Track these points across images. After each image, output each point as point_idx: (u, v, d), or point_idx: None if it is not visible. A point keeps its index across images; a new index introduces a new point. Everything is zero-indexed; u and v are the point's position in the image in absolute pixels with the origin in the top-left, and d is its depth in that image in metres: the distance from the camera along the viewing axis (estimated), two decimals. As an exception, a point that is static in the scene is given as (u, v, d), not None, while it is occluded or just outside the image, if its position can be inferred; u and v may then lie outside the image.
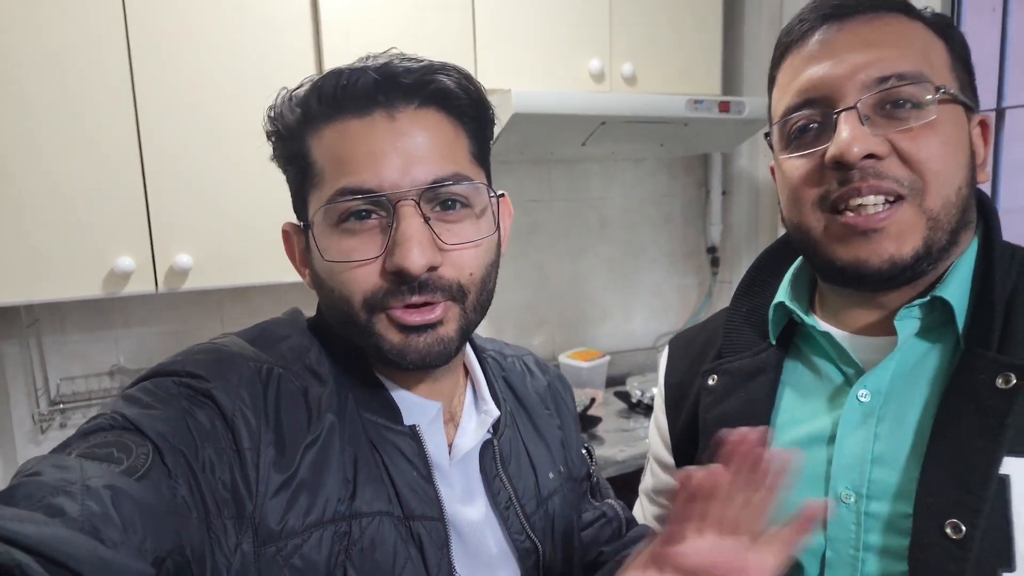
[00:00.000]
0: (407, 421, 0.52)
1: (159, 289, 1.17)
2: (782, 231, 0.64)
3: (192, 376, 0.45)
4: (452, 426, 0.56)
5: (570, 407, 0.70)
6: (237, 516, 0.43)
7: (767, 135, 0.60)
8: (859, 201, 0.51)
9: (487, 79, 1.35)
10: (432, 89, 0.48)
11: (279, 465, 0.45)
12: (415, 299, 0.47)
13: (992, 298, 0.51)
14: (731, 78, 1.76)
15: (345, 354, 0.52)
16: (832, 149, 0.51)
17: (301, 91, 0.50)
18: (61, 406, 1.34)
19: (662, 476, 0.73)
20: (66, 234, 1.10)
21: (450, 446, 0.55)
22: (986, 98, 1.41)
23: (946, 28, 0.53)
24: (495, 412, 0.57)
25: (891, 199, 0.50)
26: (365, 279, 0.48)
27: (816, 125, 0.53)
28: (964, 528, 0.46)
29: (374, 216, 0.48)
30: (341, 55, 0.51)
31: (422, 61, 0.49)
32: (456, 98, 0.50)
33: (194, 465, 0.42)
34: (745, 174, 1.89)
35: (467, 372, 0.60)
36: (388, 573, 0.47)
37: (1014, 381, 0.47)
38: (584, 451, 0.69)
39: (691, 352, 0.71)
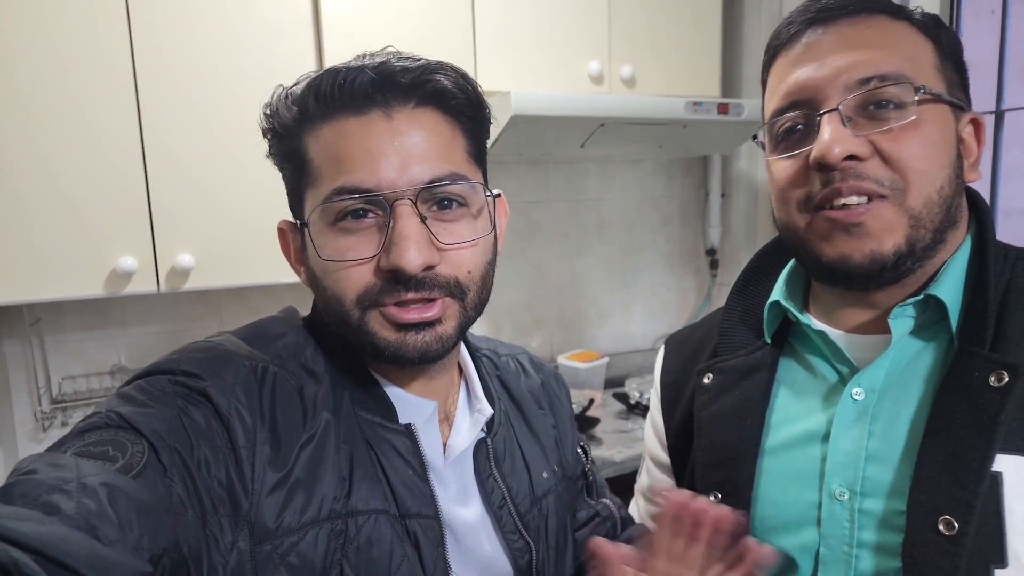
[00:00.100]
0: (402, 420, 0.52)
1: (161, 289, 1.17)
2: (778, 232, 0.64)
3: (187, 374, 0.45)
4: (446, 425, 0.56)
5: (565, 406, 0.70)
6: (233, 514, 0.43)
7: (754, 137, 0.61)
8: (842, 201, 0.51)
9: (487, 81, 1.36)
10: (429, 88, 0.48)
11: (275, 463, 0.45)
12: (410, 295, 0.47)
13: (985, 297, 0.51)
14: (730, 80, 1.77)
15: (340, 352, 0.52)
16: (814, 151, 0.52)
17: (297, 89, 0.50)
18: (63, 405, 1.34)
19: (658, 475, 0.73)
20: (69, 234, 1.11)
21: (444, 445, 0.55)
22: (985, 100, 1.41)
23: (934, 28, 0.54)
24: (489, 411, 0.57)
25: (871, 199, 0.51)
26: (360, 277, 0.48)
27: (801, 127, 0.54)
28: (957, 525, 0.46)
29: (371, 215, 0.48)
30: (342, 57, 0.51)
31: (419, 60, 0.49)
32: (453, 97, 0.50)
33: (189, 463, 0.42)
34: (744, 176, 1.89)
35: (461, 371, 0.60)
36: (384, 571, 0.47)
37: (1006, 379, 0.48)
38: (580, 450, 0.69)
39: (686, 351, 0.72)
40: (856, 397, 0.55)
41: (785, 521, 0.56)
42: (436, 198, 0.49)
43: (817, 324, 0.58)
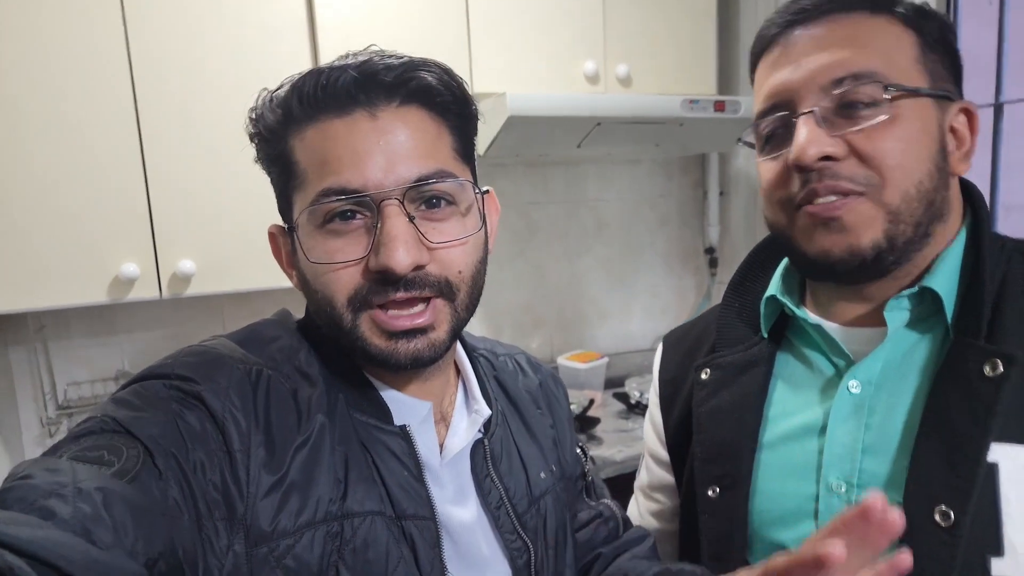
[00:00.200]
0: (397, 421, 0.51)
1: (163, 295, 1.18)
2: (777, 229, 0.65)
3: (181, 378, 0.45)
4: (443, 426, 0.56)
5: (563, 406, 0.69)
6: (228, 517, 0.43)
7: (739, 140, 0.62)
8: (821, 200, 0.52)
9: (482, 82, 1.36)
10: (413, 86, 0.48)
11: (270, 466, 0.45)
12: (399, 295, 0.47)
13: (980, 288, 0.51)
14: (726, 77, 1.77)
15: (334, 355, 0.52)
16: (791, 153, 0.52)
17: (281, 92, 0.49)
18: (69, 410, 1.35)
19: (657, 471, 0.73)
20: (71, 242, 1.11)
21: (441, 446, 0.55)
22: (984, 93, 1.41)
23: (917, 18, 0.53)
24: (486, 411, 0.57)
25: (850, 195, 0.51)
26: (349, 279, 0.47)
27: (782, 129, 0.55)
28: (953, 515, 0.47)
29: (358, 216, 0.47)
30: (337, 60, 0.51)
31: (402, 58, 0.48)
32: (438, 95, 0.49)
33: (185, 467, 0.41)
34: (742, 174, 1.89)
35: (458, 371, 0.60)
36: (380, 572, 0.47)
37: (1001, 369, 0.48)
38: (579, 450, 0.69)
39: (684, 347, 0.72)
40: (852, 390, 0.55)
41: (783, 514, 0.57)
42: (424, 197, 0.48)
43: (813, 318, 0.59)
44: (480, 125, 0.56)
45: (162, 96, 1.15)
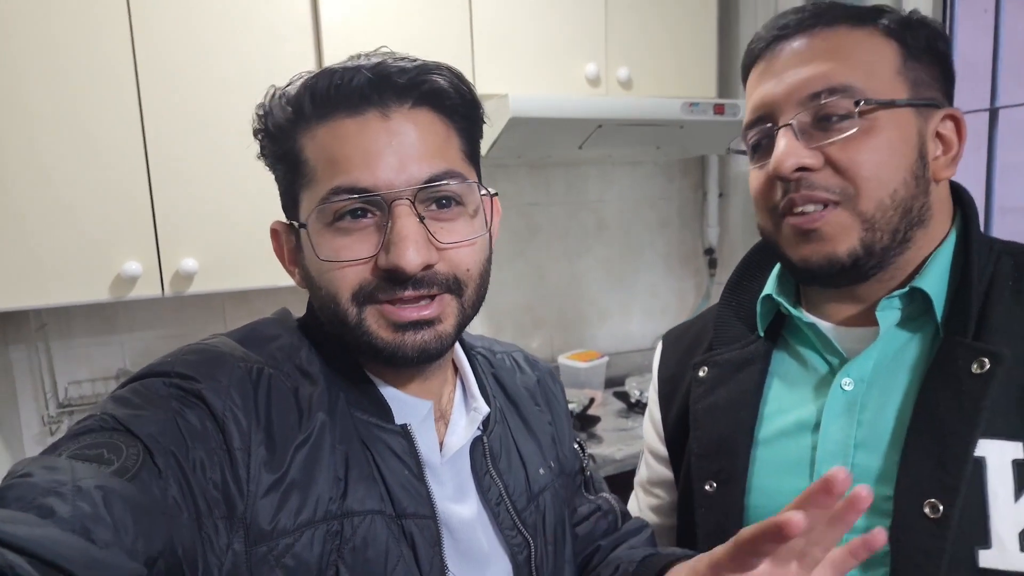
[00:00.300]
0: (398, 420, 0.52)
1: (165, 293, 1.19)
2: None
3: (182, 377, 0.45)
4: (442, 424, 0.56)
5: (561, 402, 0.70)
6: (228, 516, 0.43)
7: (728, 149, 0.64)
8: (799, 209, 0.54)
9: (485, 84, 1.38)
10: (426, 89, 0.49)
11: (270, 465, 0.45)
12: (408, 293, 0.47)
13: (969, 287, 0.53)
14: (726, 81, 1.78)
15: (335, 353, 0.52)
16: (770, 164, 0.55)
17: (292, 89, 0.49)
18: (70, 409, 1.36)
19: (656, 467, 0.74)
20: (73, 240, 1.12)
21: (440, 444, 0.55)
22: (979, 98, 1.42)
23: (901, 28, 0.54)
24: (485, 409, 0.57)
25: (827, 206, 0.53)
26: (356, 276, 0.48)
27: (766, 140, 0.57)
28: (942, 508, 0.48)
29: (369, 215, 0.48)
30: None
31: (415, 60, 0.49)
32: (448, 98, 0.50)
33: (184, 465, 0.41)
34: (742, 176, 1.91)
35: (456, 369, 0.60)
36: (380, 572, 0.47)
37: (988, 366, 0.49)
38: (576, 446, 0.70)
39: (683, 345, 0.73)
40: (845, 387, 0.56)
41: (777, 509, 0.56)
42: (434, 197, 0.49)
43: (808, 317, 0.60)
44: (481, 127, 0.56)
45: (166, 96, 1.16)
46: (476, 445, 0.56)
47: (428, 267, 0.48)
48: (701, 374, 0.66)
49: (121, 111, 1.13)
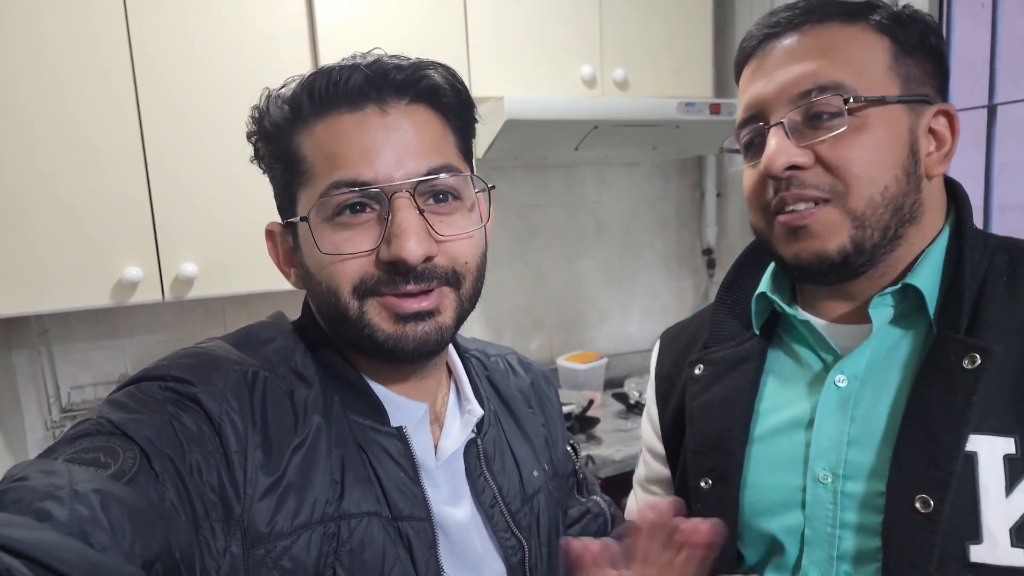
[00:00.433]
0: (393, 423, 0.52)
1: (165, 298, 1.19)
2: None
3: (178, 380, 0.45)
4: (437, 427, 0.57)
5: (555, 405, 0.70)
6: (225, 519, 0.43)
7: (721, 148, 0.64)
8: (790, 207, 0.54)
9: (481, 87, 1.38)
10: (423, 86, 0.49)
11: (266, 468, 0.45)
12: (410, 287, 0.48)
13: (961, 283, 0.53)
14: (722, 81, 1.78)
15: (331, 356, 0.52)
16: (761, 163, 0.55)
17: (287, 90, 0.50)
18: (72, 413, 1.37)
19: (653, 465, 0.74)
20: (74, 246, 1.13)
21: (435, 447, 0.55)
22: (978, 95, 1.42)
23: (893, 24, 0.54)
24: (479, 411, 0.58)
25: (818, 203, 0.53)
26: (357, 269, 0.48)
27: (758, 139, 0.57)
28: (933, 503, 0.48)
29: (368, 209, 0.48)
30: (337, 66, 0.52)
31: (410, 59, 0.50)
32: (445, 95, 0.51)
33: (181, 469, 0.41)
34: (739, 176, 1.90)
35: (450, 372, 0.61)
36: (377, 573, 0.47)
37: (979, 361, 0.49)
38: (569, 447, 0.70)
39: (680, 344, 0.73)
40: (839, 384, 0.56)
41: (772, 505, 0.58)
42: (432, 191, 0.49)
43: (802, 314, 0.60)
44: (479, 128, 0.57)
45: (165, 101, 1.16)
46: (470, 447, 0.57)
47: (428, 259, 0.48)
48: (697, 372, 0.66)
49: (119, 117, 1.14)
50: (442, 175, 0.49)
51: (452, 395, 0.60)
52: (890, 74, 0.53)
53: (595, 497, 0.70)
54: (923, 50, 0.55)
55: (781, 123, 0.54)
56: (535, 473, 0.61)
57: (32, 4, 1.07)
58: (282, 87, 0.51)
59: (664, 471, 0.72)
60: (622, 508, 0.76)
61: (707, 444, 0.63)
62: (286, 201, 0.53)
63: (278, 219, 0.55)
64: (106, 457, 0.39)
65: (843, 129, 0.52)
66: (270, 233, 0.55)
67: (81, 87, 1.11)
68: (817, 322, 0.59)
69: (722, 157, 1.93)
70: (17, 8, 1.07)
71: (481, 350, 0.67)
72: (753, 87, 0.57)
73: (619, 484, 1.24)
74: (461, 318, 0.52)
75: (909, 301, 0.55)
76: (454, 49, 1.36)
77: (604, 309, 1.93)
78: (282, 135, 0.50)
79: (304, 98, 0.49)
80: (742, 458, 0.60)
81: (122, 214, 1.15)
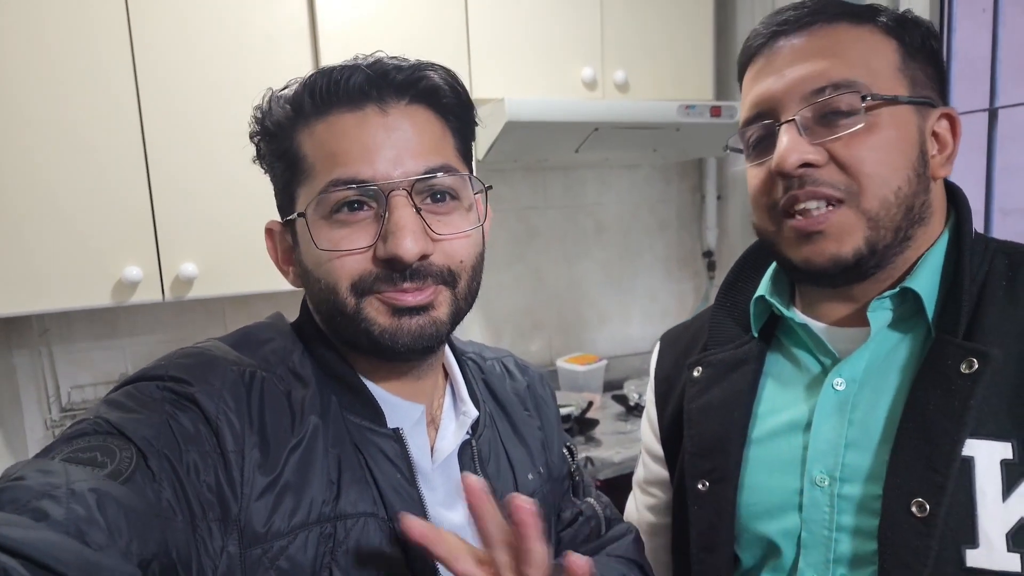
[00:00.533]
0: (390, 424, 0.52)
1: (166, 298, 1.20)
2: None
3: (175, 380, 0.46)
4: (433, 429, 0.57)
5: (551, 407, 0.70)
6: (222, 518, 0.43)
7: (726, 147, 0.64)
8: (802, 206, 0.54)
9: (481, 89, 1.38)
10: (423, 86, 0.50)
11: (264, 468, 0.45)
12: (407, 285, 0.48)
13: (960, 287, 0.53)
14: (723, 83, 1.78)
15: (328, 356, 0.53)
16: (773, 160, 0.54)
17: (289, 91, 0.51)
18: (72, 413, 1.37)
19: (652, 467, 0.74)
20: (75, 246, 1.13)
21: (431, 449, 0.55)
22: (979, 98, 1.42)
23: (898, 27, 0.55)
24: (474, 413, 0.58)
25: (831, 203, 0.53)
26: (355, 266, 0.48)
27: (767, 137, 0.57)
28: (929, 507, 0.48)
29: (366, 207, 0.48)
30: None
31: (411, 60, 0.51)
32: (444, 96, 0.51)
33: (178, 468, 0.42)
34: (740, 178, 1.91)
35: (447, 375, 0.61)
36: (372, 574, 0.47)
37: (977, 366, 0.49)
38: (565, 450, 0.70)
39: (679, 346, 0.73)
40: (837, 387, 0.56)
41: (769, 507, 0.58)
42: (430, 191, 0.50)
43: (801, 317, 0.60)
44: (479, 130, 0.57)
45: (166, 102, 1.17)
46: (465, 448, 0.57)
47: (424, 257, 0.48)
48: (696, 374, 0.66)
49: (121, 118, 1.14)
50: (440, 175, 0.49)
51: (448, 397, 0.60)
52: (899, 75, 0.54)
53: (589, 499, 0.70)
54: (925, 53, 0.55)
55: (793, 120, 0.53)
56: (530, 476, 0.61)
57: (32, 5, 1.08)
58: (284, 88, 0.52)
59: (663, 473, 0.72)
60: (621, 510, 0.76)
61: (705, 446, 0.63)
62: (286, 200, 0.53)
63: (278, 219, 0.55)
64: (103, 456, 0.39)
65: (859, 127, 0.52)
66: (269, 231, 0.56)
67: (82, 87, 1.11)
68: (816, 325, 0.59)
69: (723, 160, 1.93)
70: (17, 8, 1.07)
71: (478, 353, 0.67)
72: (761, 84, 0.56)
73: (618, 486, 1.24)
74: (457, 316, 0.52)
75: (908, 305, 0.55)
76: (455, 51, 1.36)
77: (604, 311, 1.93)
78: (283, 134, 0.51)
79: (305, 97, 0.49)
80: (740, 460, 0.60)
81: (122, 214, 1.16)
